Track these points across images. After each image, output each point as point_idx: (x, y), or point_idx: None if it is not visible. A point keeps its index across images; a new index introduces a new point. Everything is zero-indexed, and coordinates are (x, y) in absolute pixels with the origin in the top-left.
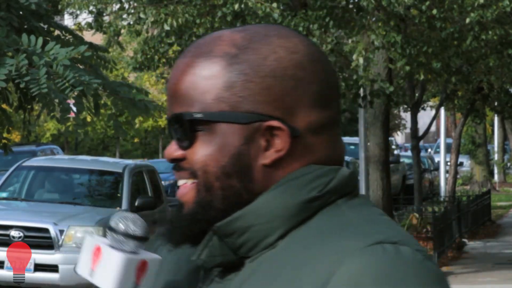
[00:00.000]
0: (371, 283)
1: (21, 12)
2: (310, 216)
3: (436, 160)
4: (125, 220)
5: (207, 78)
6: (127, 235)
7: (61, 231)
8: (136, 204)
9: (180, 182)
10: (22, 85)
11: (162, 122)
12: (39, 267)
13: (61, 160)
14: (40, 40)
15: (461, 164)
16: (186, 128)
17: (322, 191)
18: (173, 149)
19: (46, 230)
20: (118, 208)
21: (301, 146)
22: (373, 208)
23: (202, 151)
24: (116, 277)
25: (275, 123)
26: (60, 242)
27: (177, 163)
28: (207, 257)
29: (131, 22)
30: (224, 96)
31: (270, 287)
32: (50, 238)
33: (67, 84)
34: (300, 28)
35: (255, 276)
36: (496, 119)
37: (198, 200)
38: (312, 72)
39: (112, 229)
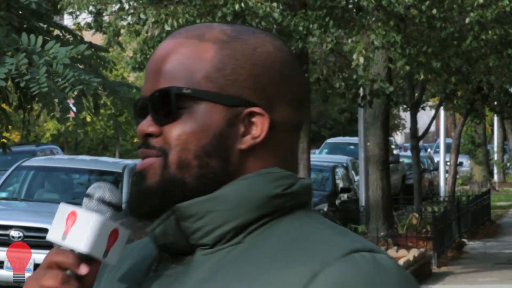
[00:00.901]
0: None
1: (20, 12)
2: (272, 218)
3: (436, 160)
4: (102, 188)
5: (198, 58)
6: (103, 202)
7: None
8: None
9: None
10: (22, 84)
11: None
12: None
13: (61, 160)
14: (40, 39)
15: (461, 164)
16: (172, 103)
17: (285, 191)
18: (148, 124)
19: (46, 230)
20: None
21: (274, 140)
22: (330, 221)
23: (183, 128)
24: (91, 238)
25: (257, 109)
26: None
27: (148, 140)
28: (160, 233)
29: (131, 22)
30: (214, 76)
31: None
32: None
33: (66, 84)
34: (300, 28)
35: (222, 274)
36: (495, 119)
37: (167, 177)
38: (294, 73)
39: (89, 196)
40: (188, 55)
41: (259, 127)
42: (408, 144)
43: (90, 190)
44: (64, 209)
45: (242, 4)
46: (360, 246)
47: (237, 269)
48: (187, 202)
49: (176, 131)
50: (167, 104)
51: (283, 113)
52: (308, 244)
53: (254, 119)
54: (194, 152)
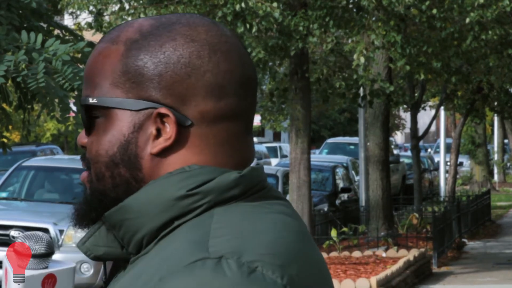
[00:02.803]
0: None
1: (21, 12)
2: (186, 220)
3: (436, 160)
4: (28, 240)
5: (108, 63)
6: (32, 256)
7: (61, 231)
8: None
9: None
10: (19, 79)
11: None
12: None
13: (61, 160)
14: (40, 37)
15: (461, 164)
16: (83, 114)
17: (191, 190)
18: (82, 136)
19: (46, 230)
20: None
21: (195, 137)
22: (254, 216)
23: (97, 140)
24: None
25: (163, 110)
26: (60, 242)
27: (84, 151)
28: (90, 245)
29: None
30: (119, 81)
31: None
32: (50, 238)
33: (62, 82)
34: (300, 28)
35: (117, 282)
36: (496, 119)
37: (92, 189)
38: (210, 62)
39: None
40: (100, 61)
41: (171, 128)
42: (408, 144)
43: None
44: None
45: (243, 4)
46: (211, 252)
47: (131, 270)
48: (107, 212)
49: (92, 143)
50: (83, 115)
51: (200, 106)
52: (173, 249)
53: (165, 119)
54: (105, 163)
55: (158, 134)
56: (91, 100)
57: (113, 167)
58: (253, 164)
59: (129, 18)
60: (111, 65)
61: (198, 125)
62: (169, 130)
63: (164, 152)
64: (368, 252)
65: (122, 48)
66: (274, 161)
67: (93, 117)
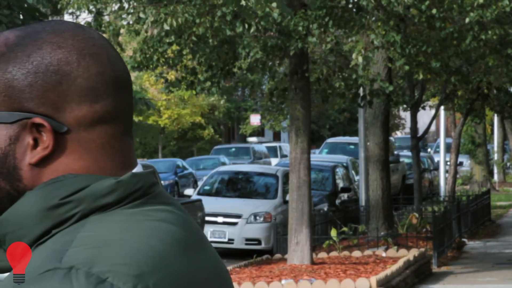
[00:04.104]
0: None
1: (21, 13)
2: (64, 228)
3: (436, 160)
4: None
5: None
6: None
7: None
8: None
9: None
10: None
11: (162, 121)
12: None
13: None
14: None
15: (461, 164)
16: None
17: (64, 199)
18: None
19: None
20: None
21: (74, 143)
22: (125, 224)
23: None
24: None
25: (37, 119)
26: None
27: None
28: None
29: (131, 22)
30: None
31: None
32: None
33: None
34: (300, 28)
35: None
36: (495, 119)
37: None
38: (80, 67)
39: None
40: None
41: (47, 136)
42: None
43: None
44: None
45: (242, 3)
46: (64, 262)
47: None
48: None
49: None
50: None
51: (75, 112)
52: (36, 257)
53: (42, 129)
54: None
55: (36, 143)
56: None
57: None
58: (138, 169)
59: (129, 18)
60: None
61: (76, 130)
62: (46, 138)
63: (44, 161)
64: (368, 252)
65: None
66: (274, 161)
67: None
